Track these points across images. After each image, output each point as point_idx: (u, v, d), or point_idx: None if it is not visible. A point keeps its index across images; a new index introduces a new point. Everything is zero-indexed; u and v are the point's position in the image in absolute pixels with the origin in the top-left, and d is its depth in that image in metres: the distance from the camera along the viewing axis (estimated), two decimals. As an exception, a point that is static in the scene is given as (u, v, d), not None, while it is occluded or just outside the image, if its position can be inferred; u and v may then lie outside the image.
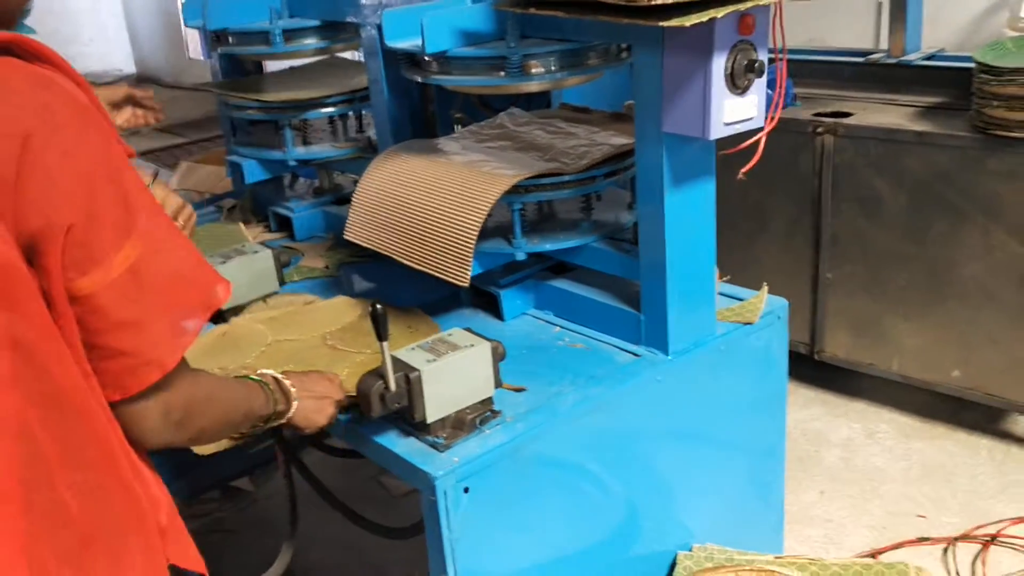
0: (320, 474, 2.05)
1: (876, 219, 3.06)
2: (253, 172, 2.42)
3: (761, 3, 1.41)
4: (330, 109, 2.33)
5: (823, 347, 3.29)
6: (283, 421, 1.39)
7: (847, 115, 3.16)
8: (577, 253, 1.85)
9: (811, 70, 3.53)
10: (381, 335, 1.42)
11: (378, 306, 1.41)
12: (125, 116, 2.05)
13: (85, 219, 0.97)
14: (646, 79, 1.56)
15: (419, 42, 1.67)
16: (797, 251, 3.28)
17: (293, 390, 1.39)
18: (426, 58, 1.75)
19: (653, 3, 1.34)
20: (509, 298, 1.90)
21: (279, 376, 1.40)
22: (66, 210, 0.95)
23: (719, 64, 1.48)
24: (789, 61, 3.42)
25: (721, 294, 1.94)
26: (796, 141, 3.18)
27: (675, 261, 1.66)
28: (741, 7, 1.39)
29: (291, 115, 2.32)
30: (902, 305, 3.07)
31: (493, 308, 1.94)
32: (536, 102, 2.20)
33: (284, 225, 2.48)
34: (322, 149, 2.38)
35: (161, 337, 1.04)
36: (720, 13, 1.36)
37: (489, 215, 1.91)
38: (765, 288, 1.94)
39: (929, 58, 3.30)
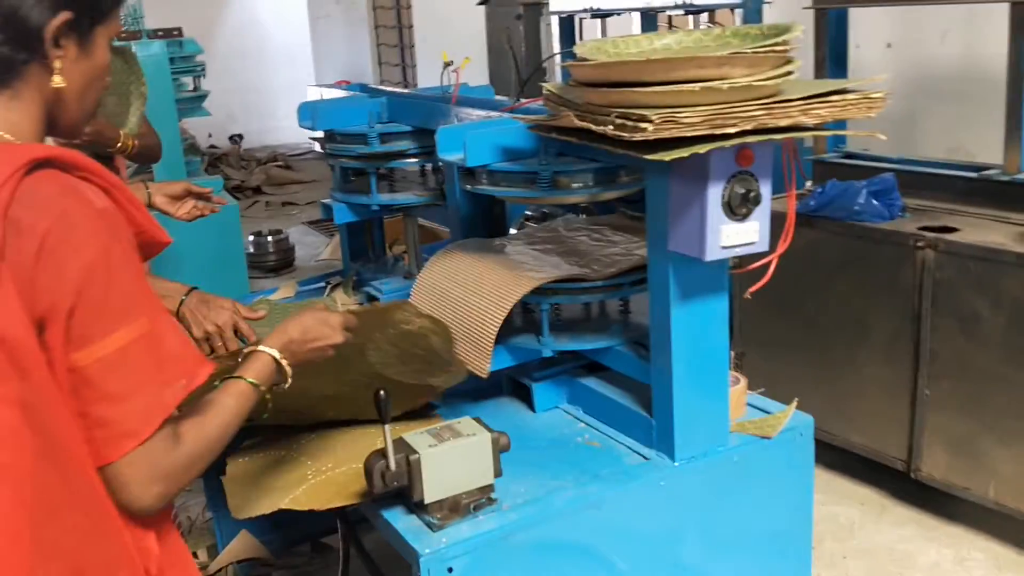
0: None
1: (975, 338, 2.98)
2: (342, 214, 2.65)
3: (749, 141, 1.50)
4: (411, 160, 2.52)
5: (920, 466, 3.19)
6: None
7: (954, 230, 3.11)
8: (603, 354, 1.96)
9: (924, 182, 3.49)
10: (383, 418, 1.59)
11: (382, 392, 1.58)
12: (186, 208, 2.31)
13: (83, 304, 1.15)
14: (654, 201, 1.68)
15: (461, 156, 1.86)
16: (897, 365, 3.22)
17: (288, 369, 1.49)
18: (478, 169, 1.94)
19: (642, 138, 1.46)
20: (541, 391, 2.03)
21: (280, 359, 1.48)
22: (67, 295, 1.14)
23: (715, 192, 1.58)
24: (899, 172, 3.42)
25: (751, 405, 1.99)
26: (898, 253, 3.16)
27: (682, 370, 1.74)
28: (726, 144, 1.49)
29: (377, 164, 2.53)
30: (999, 429, 2.95)
31: (530, 399, 2.07)
32: (598, 208, 2.34)
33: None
34: (404, 196, 2.56)
35: (138, 410, 1.19)
36: (702, 149, 1.47)
37: (531, 312, 2.06)
38: (794, 404, 1.97)
39: (1047, 177, 3.21)
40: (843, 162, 3.74)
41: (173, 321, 1.27)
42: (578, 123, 1.59)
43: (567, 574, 1.70)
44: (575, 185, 1.86)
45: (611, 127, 1.51)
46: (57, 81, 1.26)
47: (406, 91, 2.81)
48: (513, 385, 2.11)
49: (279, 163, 10.45)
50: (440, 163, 2.60)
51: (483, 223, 2.32)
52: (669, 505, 1.78)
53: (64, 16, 1.23)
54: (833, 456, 3.46)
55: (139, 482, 1.21)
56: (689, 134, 1.47)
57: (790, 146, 1.68)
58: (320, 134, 2.76)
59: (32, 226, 1.13)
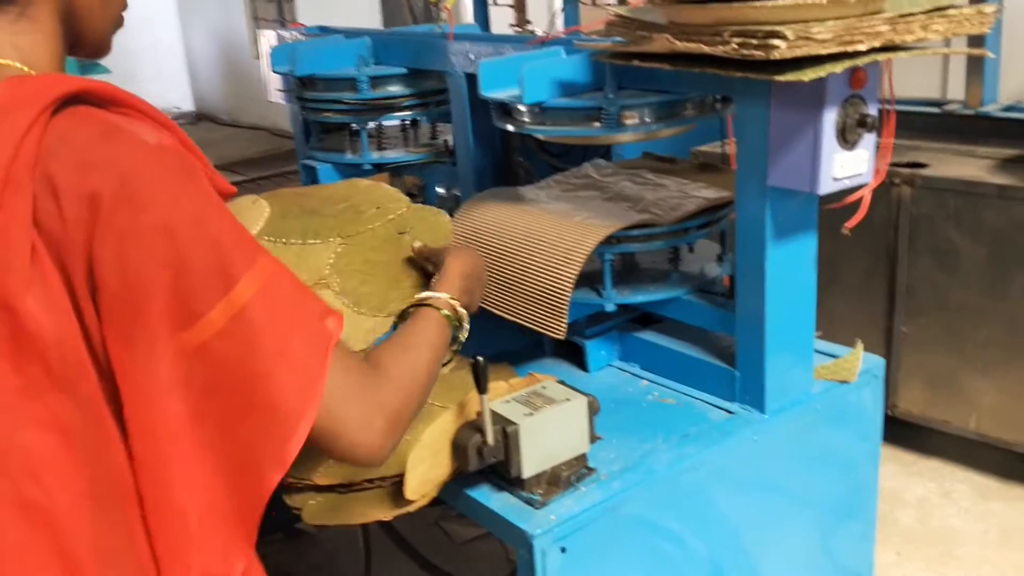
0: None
1: (954, 273, 2.99)
2: (328, 176, 2.40)
3: (879, 59, 1.38)
4: (406, 113, 2.31)
5: (897, 403, 3.21)
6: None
7: (922, 166, 3.11)
8: (667, 305, 1.81)
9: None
10: (481, 388, 1.40)
11: (479, 359, 1.39)
12: None
13: (175, 272, 0.89)
14: (751, 132, 1.53)
15: (515, 92, 1.66)
16: (871, 304, 3.22)
17: (465, 313, 1.34)
18: (520, 108, 1.74)
19: (779, 57, 1.31)
20: (595, 349, 1.87)
21: (456, 304, 1.31)
22: (150, 268, 0.88)
23: (830, 118, 1.45)
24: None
25: (815, 350, 1.89)
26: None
27: (774, 316, 1.61)
28: (859, 62, 1.36)
29: (368, 118, 2.30)
30: (980, 361, 2.99)
31: (576, 358, 1.91)
32: (594, 152, 2.18)
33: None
34: (396, 154, 2.34)
35: (293, 384, 0.93)
36: (838, 68, 1.33)
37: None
38: (860, 345, 1.89)
39: (1008, 109, 3.25)
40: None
41: (283, 265, 0.98)
42: (681, 46, 1.42)
43: (673, 542, 1.57)
44: (634, 122, 1.69)
45: (733, 47, 1.35)
46: None
47: (393, 30, 2.57)
48: (555, 344, 1.94)
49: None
50: (423, 119, 2.39)
51: (497, 177, 2.14)
52: (761, 460, 1.67)
53: None
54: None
55: (367, 453, 1.01)
56: (822, 52, 1.33)
57: (889, 67, 1.56)
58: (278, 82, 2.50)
59: (72, 186, 0.87)
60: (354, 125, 2.31)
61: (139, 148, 0.91)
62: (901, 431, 3.29)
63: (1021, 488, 3.06)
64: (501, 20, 4.93)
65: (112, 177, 0.87)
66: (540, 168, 2.29)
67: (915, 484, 3.14)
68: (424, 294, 1.30)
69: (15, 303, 0.85)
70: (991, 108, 3.24)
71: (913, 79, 4.27)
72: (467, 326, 1.31)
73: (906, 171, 3.05)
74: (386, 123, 2.38)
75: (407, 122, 2.42)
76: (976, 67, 3.23)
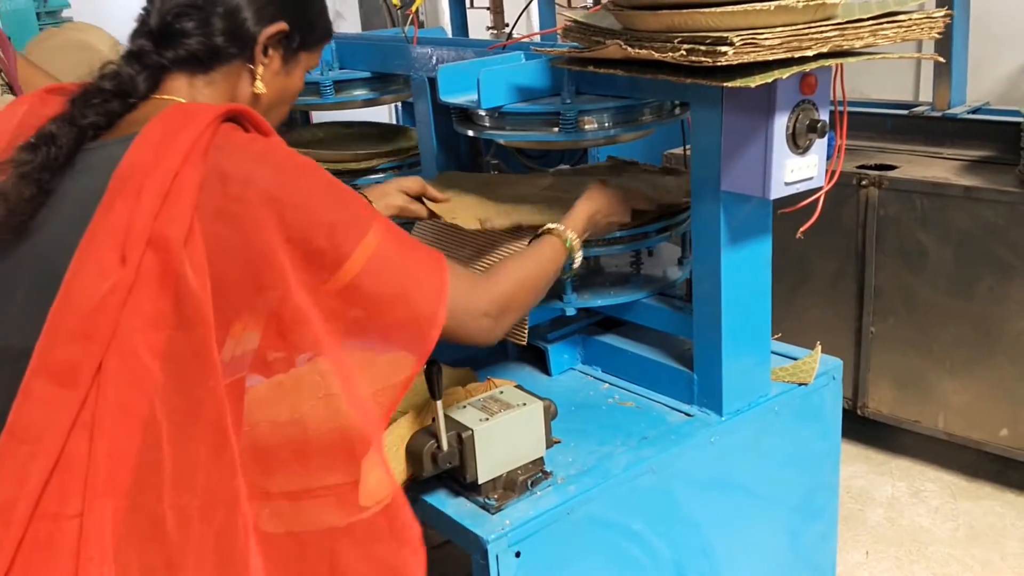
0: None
1: (921, 273, 3.01)
2: None
3: (826, 64, 1.39)
4: (379, 175, 2.34)
5: (866, 402, 3.23)
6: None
7: (891, 168, 3.13)
8: (627, 309, 1.83)
9: (852, 121, 3.49)
10: (435, 394, 1.40)
11: (435, 364, 1.39)
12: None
13: (328, 226, 1.13)
14: (704, 137, 1.54)
15: (474, 97, 1.67)
16: (840, 305, 3.23)
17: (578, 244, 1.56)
18: (480, 113, 1.75)
19: (726, 63, 1.32)
20: (557, 353, 1.88)
21: (571, 236, 1.54)
22: (312, 226, 1.12)
23: (780, 124, 1.46)
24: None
25: (773, 352, 1.91)
26: (839, 193, 3.15)
27: (730, 320, 1.63)
28: (806, 67, 1.37)
29: (345, 180, 2.31)
30: (948, 361, 3.01)
31: (539, 362, 1.92)
32: (571, 154, 2.20)
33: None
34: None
35: (423, 297, 1.20)
36: (785, 74, 1.35)
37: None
38: (819, 347, 1.90)
39: (974, 111, 3.27)
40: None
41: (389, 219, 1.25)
42: (633, 52, 1.43)
43: (632, 545, 1.57)
44: (593, 127, 1.71)
45: (681, 53, 1.36)
46: (259, 87, 1.29)
47: (359, 33, 2.57)
48: (519, 348, 1.95)
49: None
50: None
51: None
52: (719, 462, 1.68)
53: (280, 26, 1.28)
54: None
55: (482, 334, 1.32)
56: (769, 58, 1.34)
57: (841, 71, 1.57)
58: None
59: (237, 171, 1.10)
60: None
61: (279, 147, 1.18)
62: (871, 431, 3.32)
63: (990, 487, 3.09)
64: (479, 23, 4.91)
65: (269, 166, 1.13)
66: (518, 171, 2.29)
67: (885, 483, 3.15)
68: (548, 225, 1.55)
69: (173, 248, 1.05)
70: (958, 110, 3.25)
71: (886, 82, 4.31)
72: (579, 257, 1.56)
73: (874, 173, 3.07)
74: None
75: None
76: (944, 70, 3.25)
